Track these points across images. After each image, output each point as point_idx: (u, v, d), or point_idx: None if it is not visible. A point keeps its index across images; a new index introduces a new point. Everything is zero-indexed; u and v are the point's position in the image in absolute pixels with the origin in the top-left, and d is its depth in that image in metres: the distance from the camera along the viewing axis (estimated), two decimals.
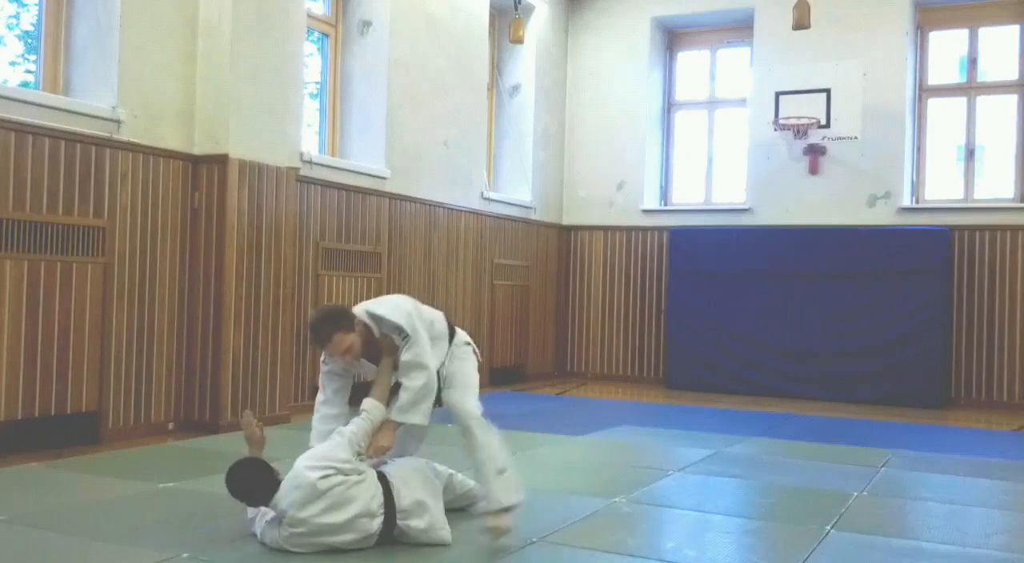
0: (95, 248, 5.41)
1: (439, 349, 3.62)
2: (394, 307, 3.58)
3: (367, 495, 3.31)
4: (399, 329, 3.49)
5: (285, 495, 3.25)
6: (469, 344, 3.79)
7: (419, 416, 3.49)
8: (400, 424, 3.51)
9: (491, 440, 3.49)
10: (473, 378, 3.70)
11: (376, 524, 3.32)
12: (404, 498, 3.37)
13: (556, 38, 10.37)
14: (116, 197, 5.55)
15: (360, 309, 3.59)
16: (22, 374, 5.02)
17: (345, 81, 7.80)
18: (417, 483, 3.47)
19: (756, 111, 9.28)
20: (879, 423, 7.33)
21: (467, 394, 3.61)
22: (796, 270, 9.02)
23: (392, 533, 3.37)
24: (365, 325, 3.54)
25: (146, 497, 4.14)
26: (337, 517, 3.24)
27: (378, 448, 3.46)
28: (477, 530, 3.53)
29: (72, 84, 5.66)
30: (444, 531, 3.44)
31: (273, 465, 3.44)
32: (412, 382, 3.47)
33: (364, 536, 3.31)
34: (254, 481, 3.35)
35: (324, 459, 3.28)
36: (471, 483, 3.84)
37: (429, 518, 3.41)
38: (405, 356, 3.48)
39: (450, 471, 3.83)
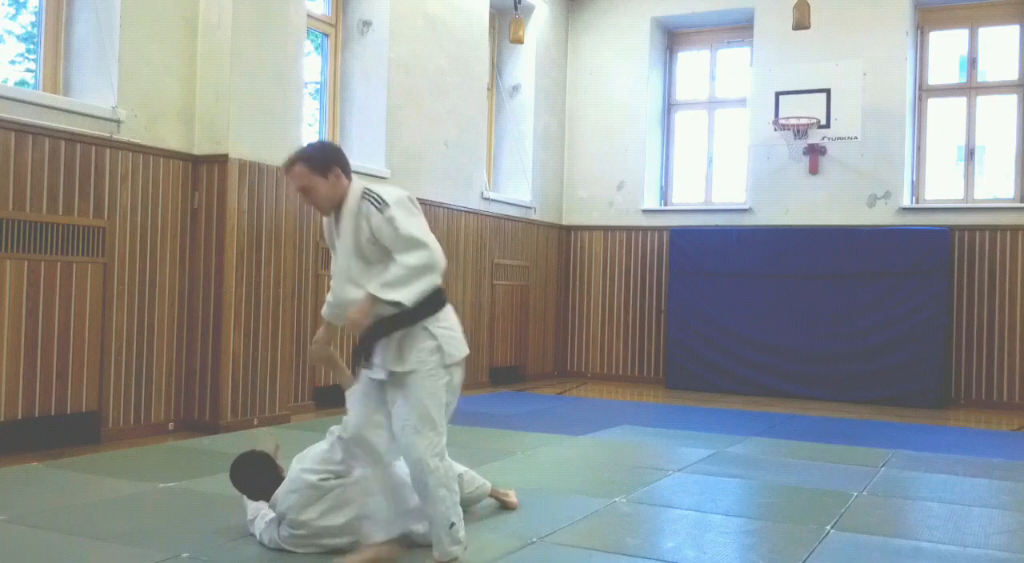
0: (95, 248, 5.41)
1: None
2: (386, 188, 3.15)
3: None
4: (379, 201, 3.02)
5: (283, 498, 3.25)
6: (448, 329, 3.09)
7: (403, 295, 2.94)
8: (378, 301, 2.94)
9: (445, 495, 3.02)
10: (433, 402, 3.04)
11: None
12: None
13: (556, 38, 10.37)
14: (116, 197, 5.55)
15: (359, 180, 3.18)
16: (22, 374, 5.02)
17: (345, 81, 7.80)
18: None
19: (756, 111, 9.27)
20: (879, 423, 7.33)
21: (420, 434, 3.00)
22: (796, 270, 9.01)
23: None
24: (349, 195, 3.08)
25: (146, 497, 4.14)
26: (337, 519, 3.24)
27: (350, 322, 2.99)
28: (477, 530, 3.53)
29: (72, 84, 5.66)
30: None
31: (279, 464, 3.45)
32: (408, 258, 2.98)
33: None
34: (257, 474, 3.38)
35: (321, 462, 3.27)
36: (479, 481, 3.83)
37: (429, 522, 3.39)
38: (401, 229, 2.99)
39: (458, 471, 3.76)
